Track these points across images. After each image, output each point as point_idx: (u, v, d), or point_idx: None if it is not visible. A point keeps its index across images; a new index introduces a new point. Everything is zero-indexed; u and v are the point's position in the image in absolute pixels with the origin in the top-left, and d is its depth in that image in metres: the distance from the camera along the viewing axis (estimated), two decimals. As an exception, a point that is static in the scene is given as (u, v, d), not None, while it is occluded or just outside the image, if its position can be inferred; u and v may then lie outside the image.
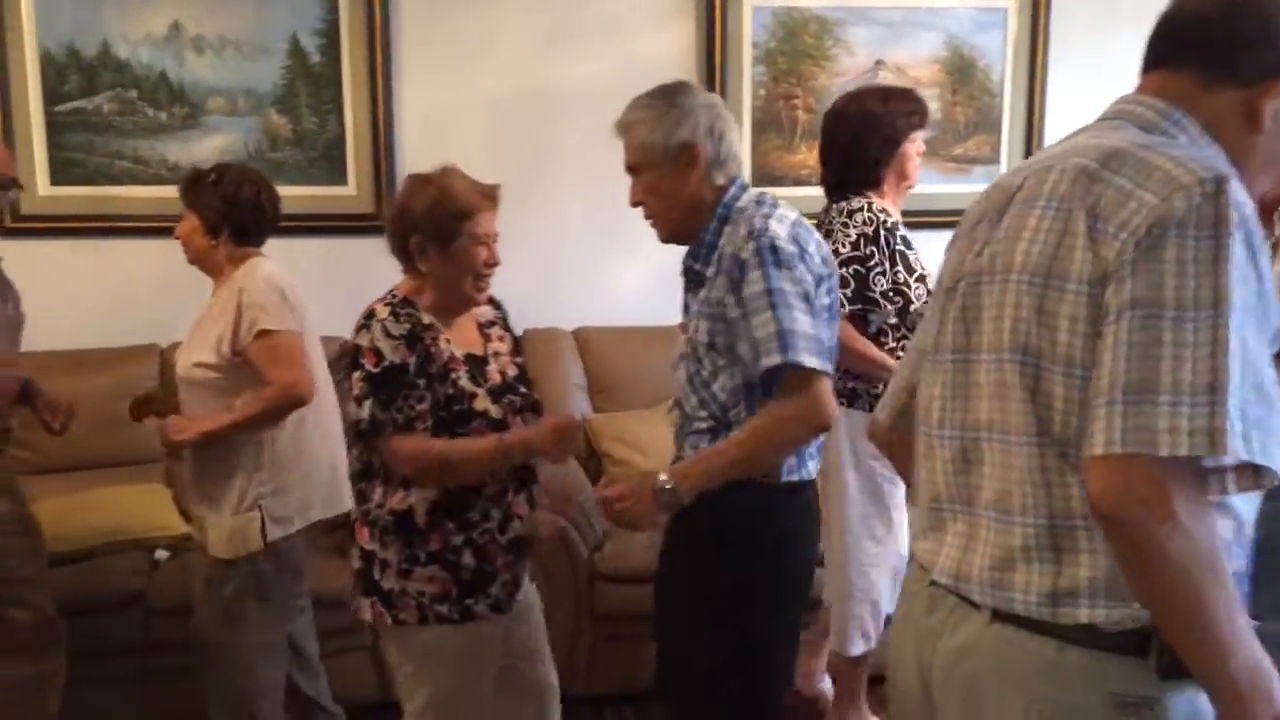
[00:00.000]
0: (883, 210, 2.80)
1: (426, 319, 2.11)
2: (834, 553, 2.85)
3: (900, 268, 2.76)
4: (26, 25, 3.50)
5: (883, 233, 2.76)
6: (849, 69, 3.93)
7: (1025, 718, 1.24)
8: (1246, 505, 1.22)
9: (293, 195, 3.47)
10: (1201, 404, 1.08)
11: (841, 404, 2.52)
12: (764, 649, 2.09)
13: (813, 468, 2.11)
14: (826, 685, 3.18)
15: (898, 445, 1.58)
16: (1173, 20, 1.31)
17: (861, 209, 2.78)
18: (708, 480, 1.93)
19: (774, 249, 1.93)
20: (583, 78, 3.79)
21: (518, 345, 2.33)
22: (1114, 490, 1.11)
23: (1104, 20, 4.00)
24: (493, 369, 2.19)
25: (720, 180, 2.05)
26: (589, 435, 3.54)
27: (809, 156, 3.84)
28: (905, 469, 1.59)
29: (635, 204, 2.10)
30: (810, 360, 1.89)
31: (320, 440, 2.59)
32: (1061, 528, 1.23)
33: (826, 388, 1.94)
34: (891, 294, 2.76)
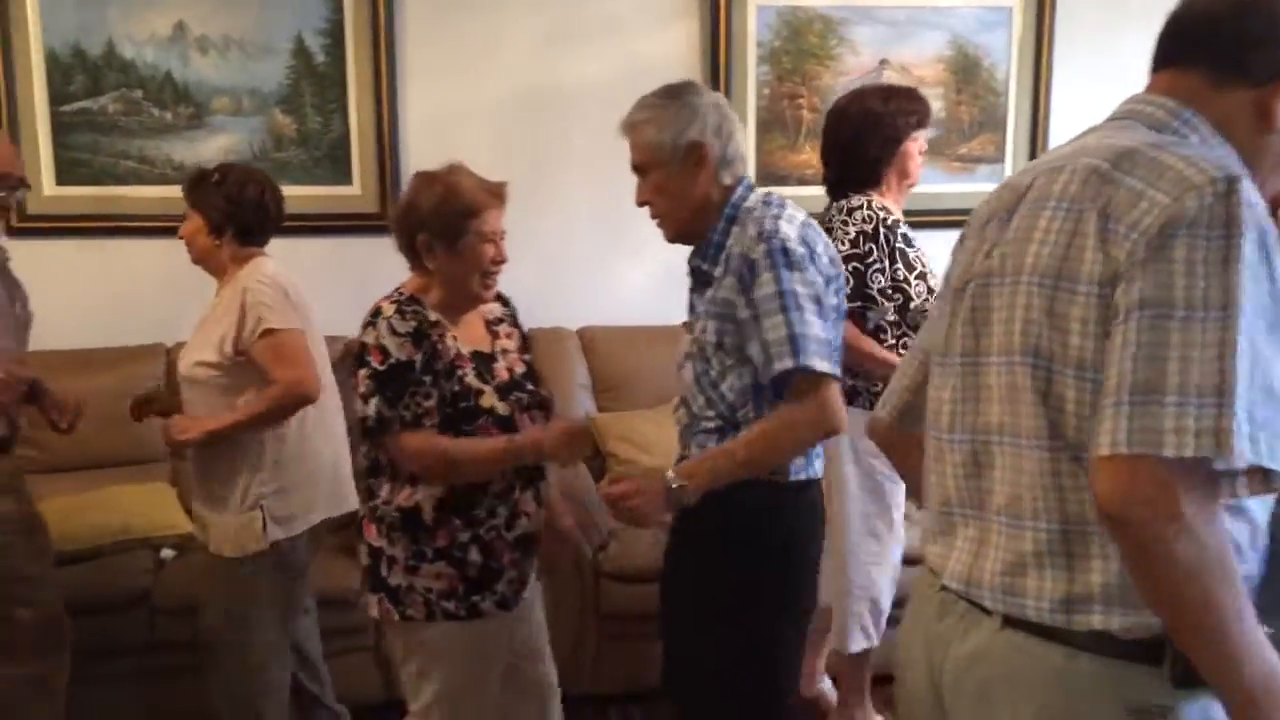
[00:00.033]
0: (883, 208, 2.80)
1: (433, 316, 2.12)
2: (834, 550, 2.85)
3: (900, 265, 2.77)
4: (32, 25, 3.51)
5: (882, 230, 2.77)
6: (853, 68, 3.92)
7: None
8: (1262, 509, 1.20)
9: (297, 195, 3.47)
10: (1208, 405, 1.07)
11: None
12: (771, 648, 2.09)
13: (819, 466, 2.12)
14: (827, 685, 3.18)
15: (898, 444, 1.57)
16: (1182, 19, 1.30)
17: (861, 207, 2.79)
18: (714, 480, 1.94)
19: (785, 251, 1.93)
20: (587, 77, 3.79)
21: (526, 342, 2.33)
22: (1120, 491, 1.10)
23: (1109, 19, 3.99)
24: (500, 366, 2.19)
25: (727, 180, 2.05)
26: (594, 435, 3.54)
27: (813, 156, 3.83)
28: (905, 468, 1.58)
29: (642, 203, 2.10)
30: (821, 365, 1.91)
31: (324, 440, 2.59)
32: (1074, 533, 1.22)
33: (836, 392, 1.95)
34: (890, 291, 2.77)
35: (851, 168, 2.85)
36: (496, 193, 2.14)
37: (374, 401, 2.05)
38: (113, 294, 3.64)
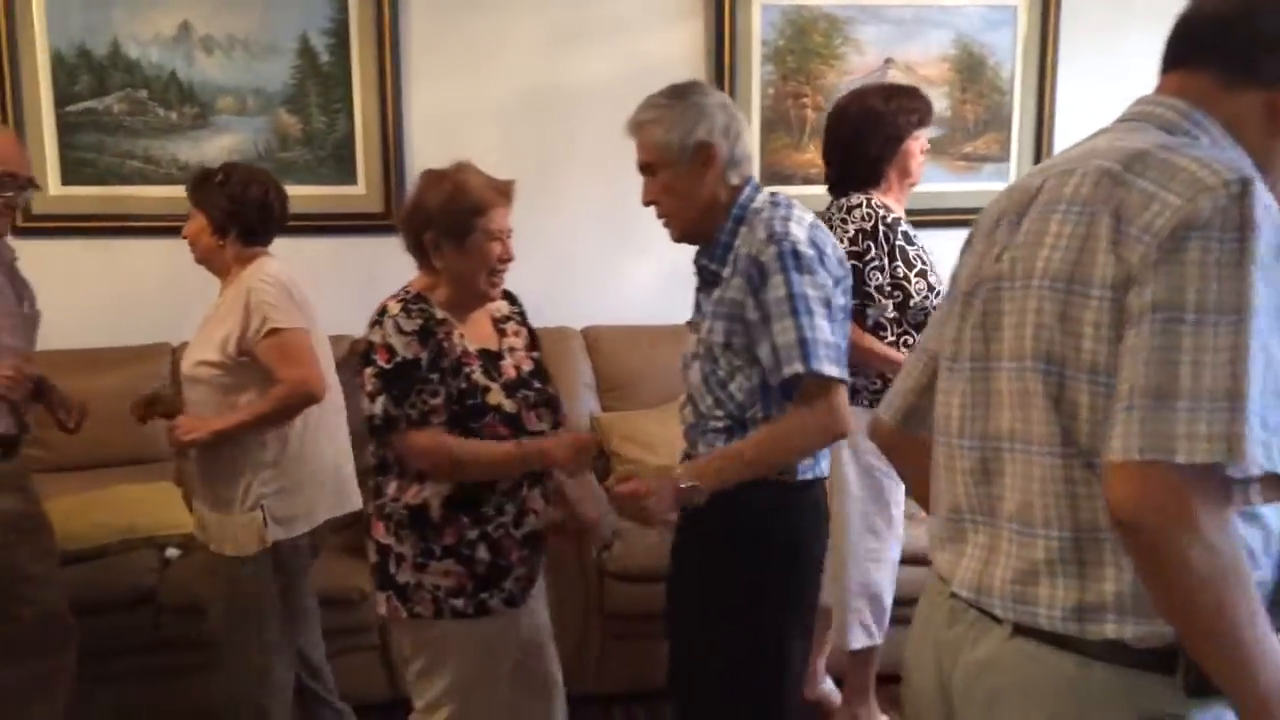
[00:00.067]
0: (882, 206, 2.81)
1: (439, 314, 2.12)
2: (834, 549, 2.84)
3: (899, 263, 2.78)
4: (37, 26, 3.52)
5: (881, 228, 2.78)
6: (858, 67, 3.92)
7: None
8: (1275, 515, 1.19)
9: (302, 195, 3.48)
10: (1221, 410, 1.06)
11: None
12: (777, 648, 2.09)
13: (826, 465, 2.13)
14: (829, 686, 3.18)
15: (901, 446, 1.55)
16: (1191, 20, 1.29)
17: (860, 205, 2.80)
18: (723, 481, 1.94)
19: (795, 253, 1.94)
20: (592, 77, 3.79)
21: (534, 340, 2.33)
22: (1132, 497, 1.09)
23: (1114, 18, 3.98)
24: (507, 364, 2.19)
25: (735, 180, 2.05)
26: (598, 434, 3.54)
27: (818, 155, 3.80)
28: (907, 471, 1.57)
29: (648, 203, 2.10)
30: (830, 369, 1.91)
31: (327, 439, 2.59)
32: (1087, 541, 1.20)
33: (844, 396, 1.97)
34: (890, 289, 2.78)
35: (852, 166, 2.85)
36: (504, 191, 2.15)
37: (381, 400, 2.06)
38: (118, 294, 3.65)
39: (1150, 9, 3.88)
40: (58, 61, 3.56)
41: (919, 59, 3.96)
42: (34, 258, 2.68)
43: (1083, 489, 1.20)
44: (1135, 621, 1.17)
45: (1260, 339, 1.07)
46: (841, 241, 2.73)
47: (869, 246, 2.76)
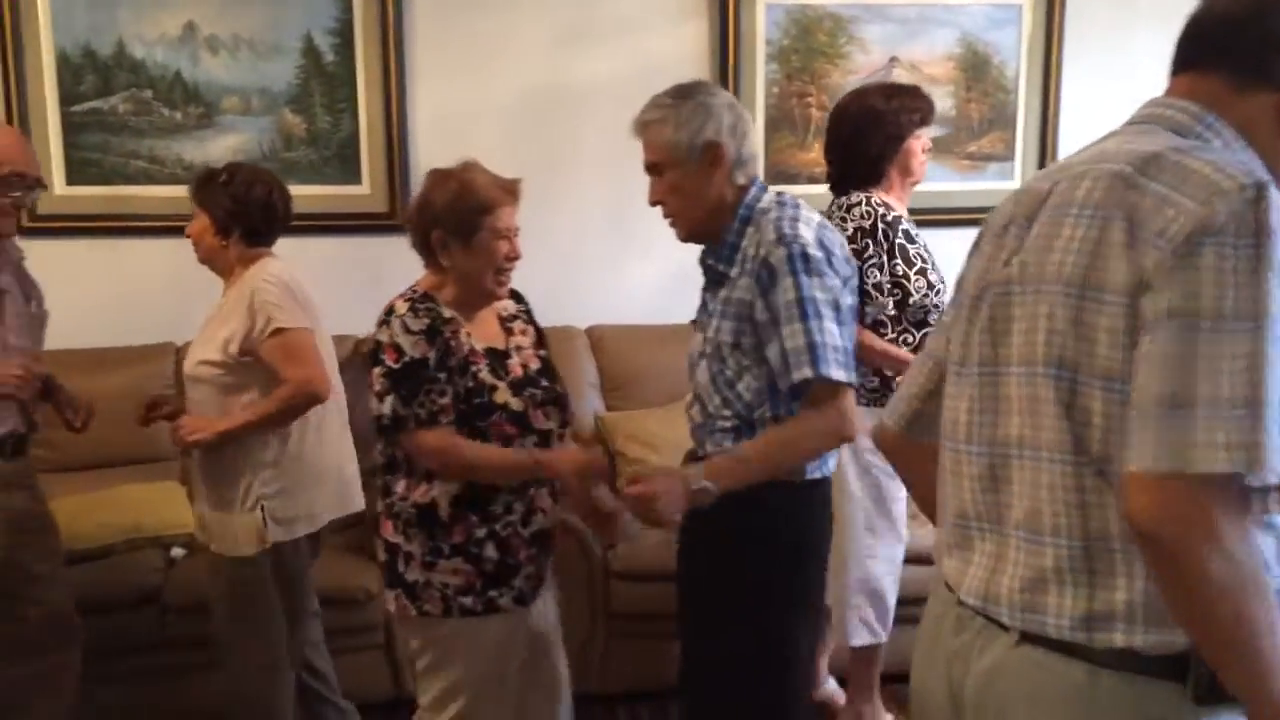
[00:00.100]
0: (882, 204, 2.82)
1: (447, 313, 2.12)
2: (834, 547, 2.85)
3: (899, 260, 2.79)
4: (43, 26, 3.53)
5: (880, 226, 2.79)
6: (863, 66, 3.91)
7: None
8: None
9: (307, 194, 3.49)
10: (1239, 418, 1.04)
11: None
12: (785, 647, 2.09)
13: (832, 464, 2.14)
14: (833, 685, 3.18)
15: (906, 453, 1.54)
16: (1202, 21, 1.28)
17: (860, 203, 2.81)
18: (731, 483, 1.94)
19: (805, 256, 1.95)
20: (596, 76, 3.80)
21: (542, 338, 2.34)
22: (1151, 508, 1.08)
23: (1119, 17, 3.98)
24: (514, 362, 2.19)
25: (741, 180, 2.05)
26: (603, 433, 3.54)
27: (822, 154, 3.83)
28: (911, 478, 1.55)
29: (655, 203, 2.09)
30: (838, 374, 1.93)
31: (329, 440, 2.59)
32: (1097, 549, 1.19)
33: (852, 400, 1.98)
34: (889, 287, 2.80)
35: (853, 165, 2.87)
36: (510, 189, 2.15)
37: (389, 399, 2.06)
38: (122, 293, 3.65)
39: (1155, 7, 3.92)
40: (63, 61, 3.56)
41: (924, 58, 3.95)
42: (39, 257, 2.68)
43: (1093, 497, 1.19)
44: (1145, 630, 1.16)
45: (1277, 345, 1.06)
46: None
47: (867, 244, 2.77)
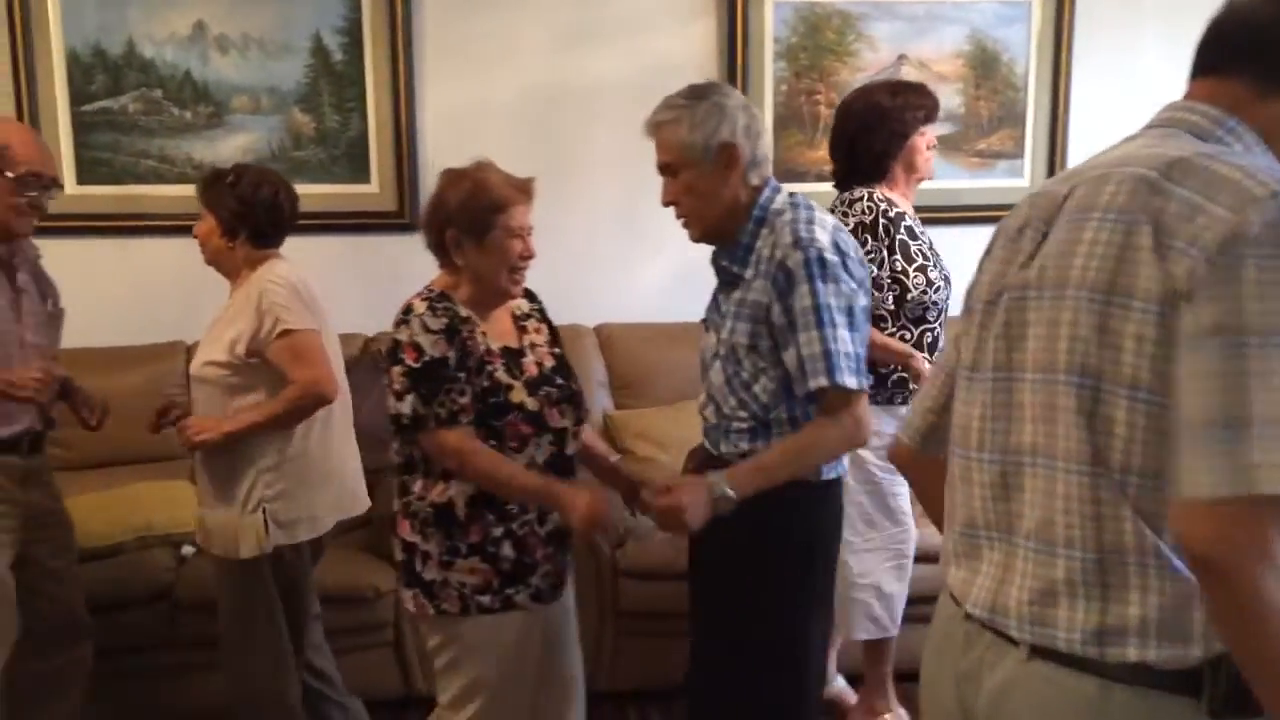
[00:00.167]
0: (884, 200, 2.83)
1: (463, 312, 2.13)
2: None
3: (899, 257, 2.80)
4: (53, 26, 3.54)
5: (881, 222, 2.79)
6: (871, 64, 3.91)
7: None
8: None
9: (316, 193, 3.50)
10: None
11: None
12: (797, 646, 2.11)
13: (845, 464, 2.16)
14: (841, 683, 3.18)
15: (920, 468, 1.51)
16: (1223, 25, 1.26)
17: (861, 199, 2.82)
18: (751, 489, 1.95)
19: (821, 261, 1.96)
20: (605, 75, 3.79)
21: (556, 336, 2.34)
22: (1211, 534, 1.05)
23: (1129, 13, 3.96)
24: (529, 361, 2.20)
25: (755, 181, 2.06)
26: (611, 432, 3.54)
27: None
28: (926, 494, 1.52)
29: (668, 204, 2.10)
30: (851, 381, 1.95)
31: (334, 442, 2.59)
32: (1111, 562, 1.17)
33: (866, 406, 2.01)
34: (888, 282, 2.81)
35: (857, 161, 2.88)
36: (524, 188, 2.15)
37: (409, 398, 2.06)
38: (133, 292, 3.67)
39: (1164, 4, 3.90)
40: (73, 61, 3.58)
41: (932, 55, 3.94)
42: (50, 256, 2.69)
43: (1109, 509, 1.16)
44: (1158, 645, 1.14)
45: None
46: None
47: (867, 240, 2.79)
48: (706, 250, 2.15)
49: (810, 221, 2.01)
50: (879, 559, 2.89)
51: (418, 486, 2.14)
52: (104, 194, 3.64)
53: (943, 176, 3.68)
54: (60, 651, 2.59)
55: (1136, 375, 1.13)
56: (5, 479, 2.44)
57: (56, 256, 2.69)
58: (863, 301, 2.03)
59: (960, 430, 1.36)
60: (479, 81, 3.78)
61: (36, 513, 2.52)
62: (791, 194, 2.10)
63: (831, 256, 1.97)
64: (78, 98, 3.59)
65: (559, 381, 2.22)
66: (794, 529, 2.06)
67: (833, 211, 2.82)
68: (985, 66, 3.98)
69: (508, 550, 2.12)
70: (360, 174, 3.75)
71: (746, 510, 1.95)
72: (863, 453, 2.75)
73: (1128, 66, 3.93)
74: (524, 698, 2.21)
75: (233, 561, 2.48)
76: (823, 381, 1.94)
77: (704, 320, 2.22)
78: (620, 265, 3.91)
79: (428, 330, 2.07)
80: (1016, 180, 4.02)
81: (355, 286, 3.63)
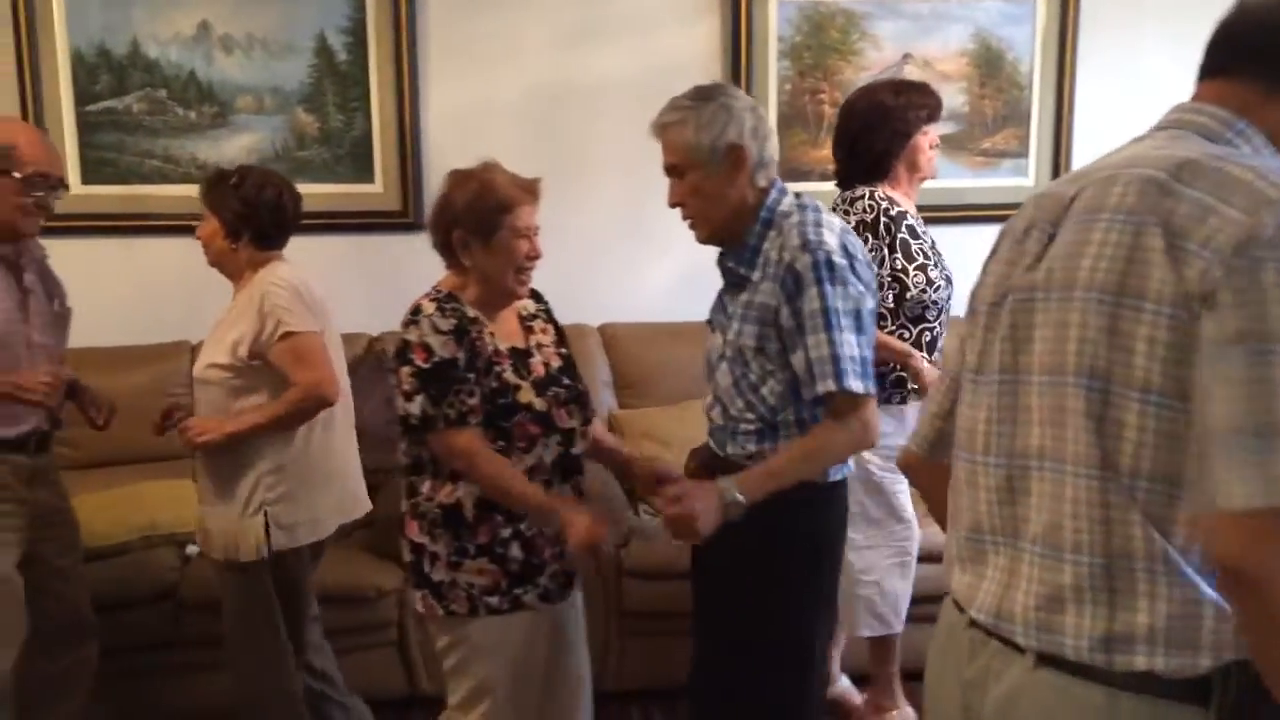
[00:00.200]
0: (886, 199, 2.83)
1: (471, 313, 2.13)
2: None
3: (899, 255, 2.80)
4: (58, 26, 3.55)
5: (883, 220, 2.80)
6: (875, 63, 3.90)
7: None
8: None
9: (320, 193, 3.51)
10: None
11: None
12: (804, 646, 2.11)
13: (851, 465, 2.17)
14: (845, 683, 3.17)
15: (929, 475, 1.49)
16: (1232, 27, 1.26)
17: (863, 197, 2.83)
18: (761, 494, 1.96)
19: (830, 264, 1.96)
20: (609, 74, 3.79)
21: (562, 337, 2.34)
22: (1245, 547, 1.03)
23: (1133, 13, 3.96)
24: (536, 361, 2.20)
25: (762, 182, 2.06)
26: (615, 432, 3.54)
27: (834, 151, 3.83)
28: (936, 503, 1.51)
29: (675, 205, 2.09)
30: (857, 385, 1.96)
31: (336, 444, 2.59)
32: (1119, 568, 1.16)
33: (874, 409, 2.02)
34: (888, 281, 2.81)
35: (860, 160, 2.88)
36: (530, 189, 2.15)
37: (418, 399, 2.06)
38: (138, 292, 3.67)
39: (1168, 4, 3.89)
40: (78, 61, 3.58)
41: (937, 54, 3.94)
42: (54, 256, 2.69)
43: (1118, 514, 1.15)
44: (1166, 653, 1.13)
45: None
46: None
47: (868, 238, 2.79)
48: (710, 250, 2.15)
49: (818, 224, 2.01)
50: (882, 556, 2.89)
51: (426, 487, 2.14)
52: (109, 194, 3.64)
53: (947, 175, 3.67)
54: (67, 651, 2.60)
55: (1148, 378, 1.12)
56: (12, 478, 2.45)
57: (61, 256, 2.70)
58: (870, 304, 2.04)
59: (965, 434, 1.35)
60: (483, 81, 3.78)
61: (43, 511, 2.53)
62: (798, 195, 2.10)
63: (840, 259, 1.97)
64: (82, 98, 3.60)
65: (566, 382, 2.22)
66: (801, 530, 2.06)
67: (834, 210, 2.82)
68: (990, 65, 3.98)
69: (516, 551, 2.12)
70: (364, 174, 3.75)
71: (754, 512, 1.95)
72: (863, 452, 2.75)
73: (1132, 66, 3.92)
74: (533, 698, 2.21)
75: (233, 565, 2.48)
76: (831, 386, 1.94)
77: (709, 321, 2.22)
78: (624, 265, 3.91)
79: (437, 331, 2.07)
80: (1021, 179, 4.01)
81: (359, 286, 3.64)
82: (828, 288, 1.95)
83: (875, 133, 2.84)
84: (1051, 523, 1.21)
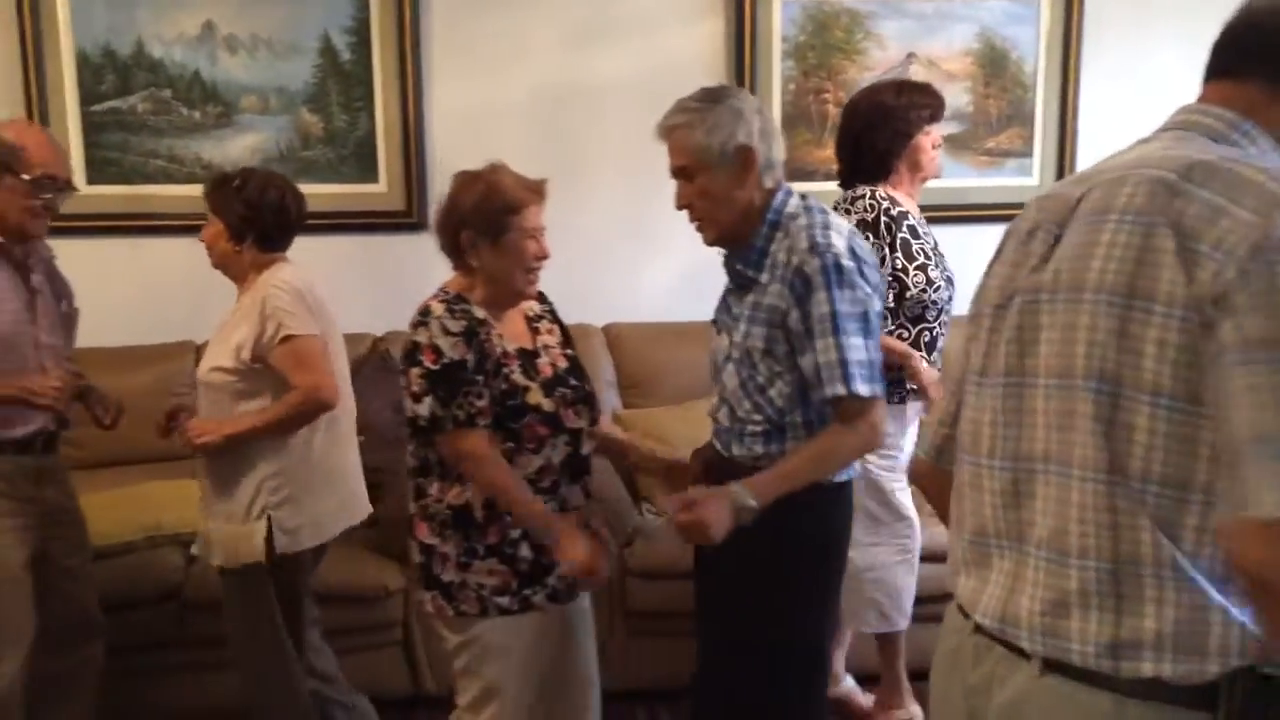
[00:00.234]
0: (887, 198, 2.84)
1: (480, 314, 2.13)
2: None
3: (899, 255, 2.80)
4: (63, 26, 3.55)
5: (883, 220, 2.81)
6: (880, 62, 3.90)
7: None
8: None
9: (324, 193, 3.51)
10: None
11: None
12: (811, 646, 2.12)
13: (857, 466, 2.17)
14: (850, 683, 3.18)
15: (937, 482, 1.48)
16: (1238, 28, 1.25)
17: (864, 196, 2.84)
18: (770, 500, 1.96)
19: (839, 267, 1.97)
20: (613, 75, 3.79)
21: (568, 337, 2.34)
22: (1272, 554, 1.02)
23: (1139, 12, 3.95)
24: (543, 362, 2.20)
25: (769, 184, 2.06)
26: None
27: (838, 151, 3.83)
28: (944, 507, 1.50)
29: (682, 207, 2.09)
30: (865, 389, 1.96)
31: (338, 449, 2.59)
32: (1126, 573, 1.15)
33: (882, 411, 2.02)
34: (888, 280, 2.81)
35: (862, 160, 2.89)
36: (536, 189, 2.16)
37: (427, 401, 2.06)
38: (142, 292, 3.68)
39: (1172, 3, 3.89)
40: (83, 61, 3.59)
41: (941, 54, 3.93)
42: (59, 256, 2.70)
43: (1125, 518, 1.14)
44: (1174, 659, 1.12)
45: None
46: None
47: (868, 237, 2.79)
48: (714, 249, 2.15)
49: (826, 226, 2.01)
50: (885, 553, 2.90)
51: (434, 489, 2.14)
52: (113, 194, 3.64)
53: (951, 175, 3.67)
54: (74, 650, 2.60)
55: (1158, 381, 1.11)
56: (21, 478, 2.46)
57: (66, 256, 2.70)
58: (877, 306, 2.04)
59: (969, 437, 1.34)
60: (487, 81, 3.78)
61: (51, 510, 2.53)
62: (804, 196, 2.10)
63: (848, 262, 1.98)
64: (87, 98, 3.60)
65: (573, 382, 2.22)
66: (809, 531, 2.06)
67: (835, 209, 2.82)
68: (994, 65, 3.98)
69: (525, 551, 2.13)
70: (368, 174, 3.76)
71: (762, 513, 1.95)
72: None
73: (1137, 65, 3.92)
74: (542, 699, 2.21)
75: (234, 569, 2.49)
76: (839, 390, 1.95)
77: (714, 321, 2.22)
78: (628, 264, 3.91)
79: (447, 332, 2.07)
80: (1025, 179, 4.01)
81: (363, 286, 3.64)
82: (836, 291, 1.95)
83: (877, 133, 2.84)
84: (1057, 527, 1.20)
